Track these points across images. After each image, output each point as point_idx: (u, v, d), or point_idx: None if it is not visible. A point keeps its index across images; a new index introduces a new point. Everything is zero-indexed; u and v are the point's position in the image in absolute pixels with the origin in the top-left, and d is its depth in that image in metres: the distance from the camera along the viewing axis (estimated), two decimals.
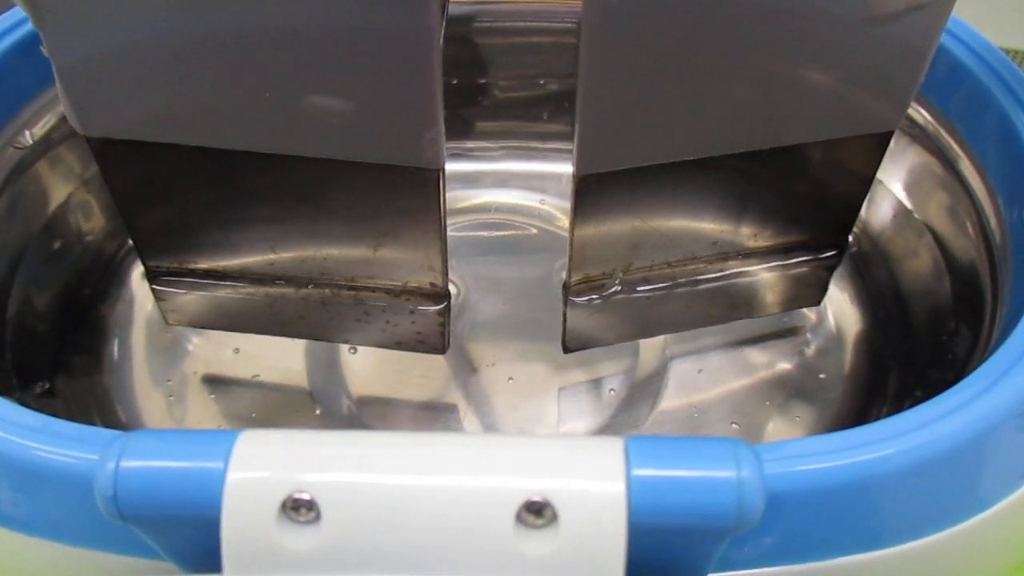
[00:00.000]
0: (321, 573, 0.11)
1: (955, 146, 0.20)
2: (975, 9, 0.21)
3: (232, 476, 0.11)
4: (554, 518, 0.11)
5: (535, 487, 0.11)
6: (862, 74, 0.16)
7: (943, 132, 0.20)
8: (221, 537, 0.11)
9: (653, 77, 0.15)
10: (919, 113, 0.20)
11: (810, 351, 0.22)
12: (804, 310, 0.23)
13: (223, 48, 0.15)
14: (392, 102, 0.15)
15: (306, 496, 0.11)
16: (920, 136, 0.20)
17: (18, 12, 0.19)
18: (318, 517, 0.11)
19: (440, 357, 0.22)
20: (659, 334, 0.22)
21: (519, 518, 0.11)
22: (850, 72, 0.16)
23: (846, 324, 0.23)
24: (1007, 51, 0.20)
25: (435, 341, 0.20)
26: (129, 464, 0.11)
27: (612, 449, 0.11)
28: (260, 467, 0.11)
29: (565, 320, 0.20)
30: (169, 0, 0.14)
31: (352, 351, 0.22)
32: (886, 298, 0.22)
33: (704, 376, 0.22)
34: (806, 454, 0.13)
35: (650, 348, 0.22)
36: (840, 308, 0.23)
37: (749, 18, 0.15)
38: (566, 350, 0.21)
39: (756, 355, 0.23)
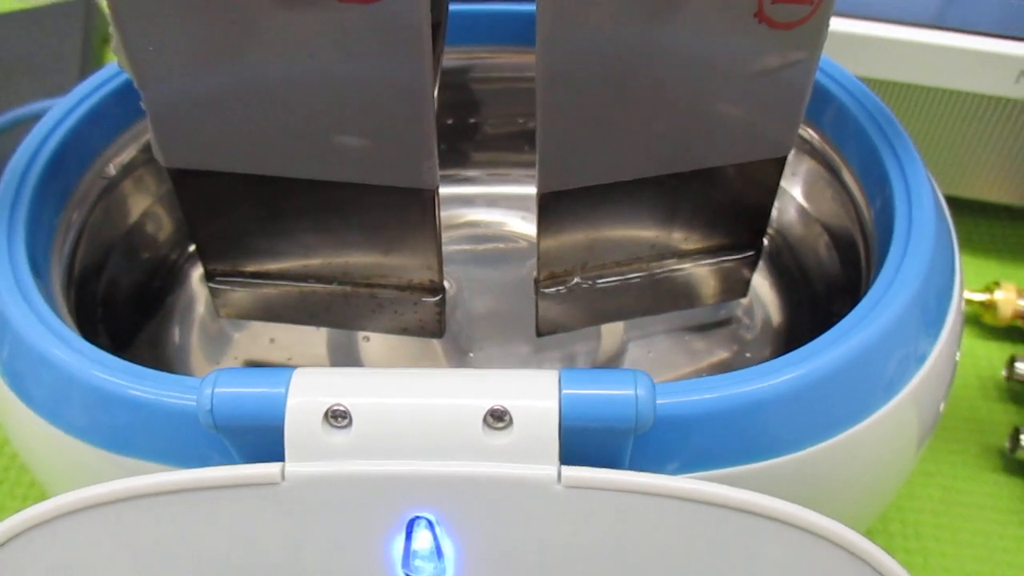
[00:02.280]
0: (352, 459, 0.16)
1: (836, 157, 0.25)
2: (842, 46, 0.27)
3: (291, 398, 0.16)
4: (510, 422, 0.16)
5: (498, 401, 0.16)
6: (756, 113, 0.21)
7: (827, 147, 0.25)
8: (284, 437, 0.16)
9: (592, 118, 0.20)
10: (808, 132, 0.26)
11: (739, 335, 0.27)
12: (735, 302, 0.28)
13: (274, 100, 0.20)
14: (398, 138, 0.20)
15: (342, 408, 0.16)
16: (811, 151, 0.26)
17: (110, 68, 0.25)
18: (350, 423, 0.16)
19: (438, 342, 0.27)
20: (615, 321, 0.27)
21: (486, 421, 0.16)
22: (747, 111, 0.21)
23: (768, 311, 0.28)
24: (864, 79, 0.25)
25: (433, 327, 0.25)
26: (221, 390, 0.16)
27: (551, 377, 0.16)
28: (310, 391, 0.16)
29: (537, 308, 0.25)
30: (236, 72, 0.19)
31: (366, 339, 0.27)
32: (798, 286, 0.27)
33: (654, 356, 0.27)
34: (696, 389, 0.18)
35: (610, 333, 0.27)
36: (763, 298, 0.28)
37: (663, 75, 0.20)
38: (539, 334, 0.26)
39: (697, 340, 0.28)
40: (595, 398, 0.16)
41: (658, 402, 0.17)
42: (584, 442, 0.16)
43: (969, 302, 0.37)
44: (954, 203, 0.41)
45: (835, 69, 0.25)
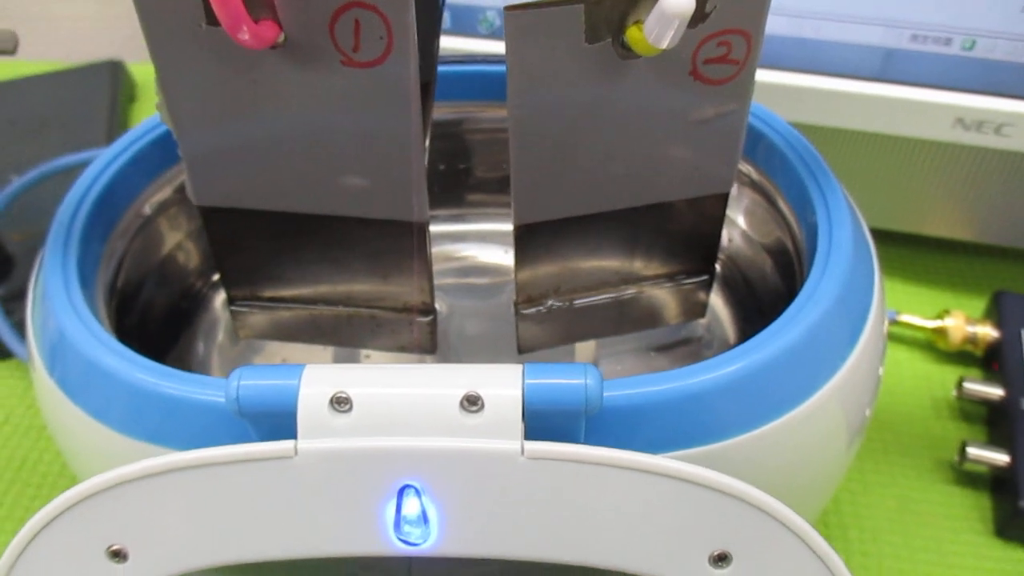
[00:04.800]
0: (352, 436, 0.19)
1: (771, 188, 0.28)
2: (797, 98, 0.30)
3: (303, 388, 0.19)
4: (482, 406, 0.19)
5: (472, 388, 0.19)
6: (698, 155, 0.25)
7: (763, 180, 0.29)
8: (296, 420, 0.19)
9: (556, 160, 0.24)
10: (747, 168, 0.29)
11: (700, 353, 0.31)
12: (695, 323, 0.31)
13: (289, 148, 0.23)
14: (392, 178, 0.24)
15: (345, 395, 0.19)
16: (751, 184, 0.29)
17: (148, 123, 0.29)
18: (351, 407, 0.19)
19: (431, 359, 0.30)
20: (587, 339, 0.30)
21: (462, 405, 0.19)
22: (690, 154, 0.25)
23: (725, 330, 0.31)
24: (821, 128, 0.28)
25: (427, 345, 0.28)
26: (244, 382, 0.19)
27: (516, 370, 0.20)
28: (318, 382, 0.19)
29: (517, 328, 0.28)
30: (258, 124, 0.23)
31: (367, 357, 0.31)
32: (748, 304, 0.30)
33: (622, 370, 0.30)
34: (643, 383, 0.21)
35: (583, 351, 0.31)
36: (721, 318, 0.31)
37: (615, 125, 0.23)
38: (520, 351, 0.29)
39: (661, 358, 0.31)
40: (552, 386, 0.19)
41: (610, 394, 0.21)
42: (544, 423, 0.19)
43: (923, 329, 0.40)
44: (914, 239, 0.45)
45: (767, 114, 0.28)
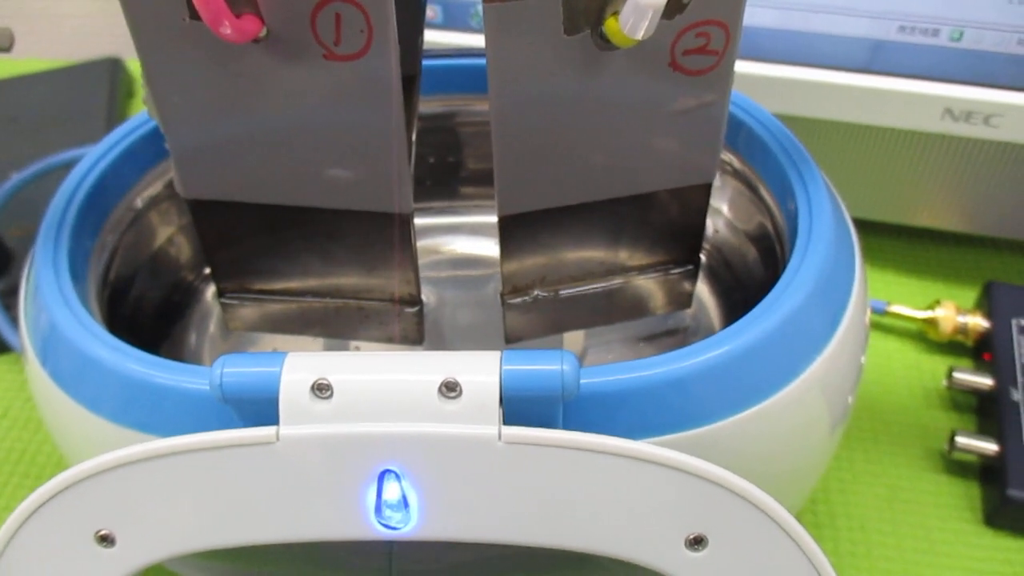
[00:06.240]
0: (333, 422, 0.19)
1: (752, 176, 0.29)
2: (785, 90, 0.30)
3: (284, 375, 0.20)
4: (461, 392, 0.19)
5: (450, 375, 0.19)
6: (680, 145, 0.25)
7: (745, 168, 0.29)
8: (278, 406, 0.20)
9: (538, 151, 0.24)
10: (729, 156, 0.30)
11: (687, 342, 0.31)
12: (683, 314, 0.32)
13: (275, 140, 0.24)
14: (376, 170, 0.24)
15: (326, 382, 0.20)
16: (733, 173, 0.30)
17: (139, 118, 0.29)
18: (332, 394, 0.20)
19: (418, 348, 0.30)
20: (574, 329, 0.31)
21: (440, 391, 0.19)
22: (672, 144, 0.25)
23: (712, 319, 0.31)
24: (807, 120, 0.28)
25: (414, 335, 0.29)
26: (228, 369, 0.20)
27: (494, 356, 0.20)
28: (299, 369, 0.20)
29: (504, 319, 0.29)
30: (243, 116, 0.23)
31: (356, 349, 0.31)
32: (733, 291, 0.30)
33: (609, 360, 0.31)
34: (620, 370, 0.21)
35: (572, 341, 0.31)
36: (707, 308, 0.31)
37: (596, 116, 0.24)
38: (507, 341, 0.29)
39: (649, 347, 0.31)
40: (528, 372, 0.19)
41: (588, 380, 0.21)
42: (522, 408, 0.20)
43: (914, 319, 0.41)
44: (904, 230, 0.45)
45: (748, 103, 0.29)
